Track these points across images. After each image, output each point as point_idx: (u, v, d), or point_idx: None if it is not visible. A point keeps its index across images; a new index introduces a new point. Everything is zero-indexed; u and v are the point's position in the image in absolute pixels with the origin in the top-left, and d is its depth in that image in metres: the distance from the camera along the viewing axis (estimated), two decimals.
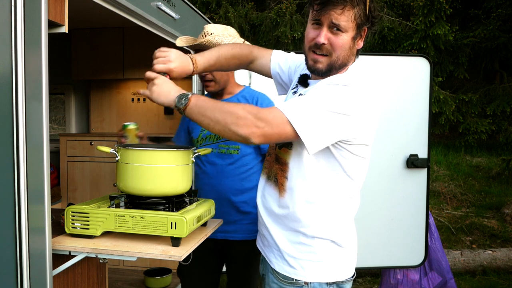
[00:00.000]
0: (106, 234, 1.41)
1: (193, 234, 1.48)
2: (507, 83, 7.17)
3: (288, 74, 1.60)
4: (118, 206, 1.44)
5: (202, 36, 1.84)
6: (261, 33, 7.10)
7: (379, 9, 1.30)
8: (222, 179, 1.92)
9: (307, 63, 1.36)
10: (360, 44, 1.33)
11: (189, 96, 1.29)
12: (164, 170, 1.43)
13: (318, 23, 1.29)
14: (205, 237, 1.52)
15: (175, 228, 1.33)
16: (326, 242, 1.36)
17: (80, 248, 1.33)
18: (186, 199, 1.57)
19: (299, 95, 1.43)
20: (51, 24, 1.28)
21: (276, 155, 1.43)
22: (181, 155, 1.48)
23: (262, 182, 1.52)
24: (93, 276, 1.72)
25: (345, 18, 1.25)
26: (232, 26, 1.87)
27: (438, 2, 6.20)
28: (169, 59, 1.41)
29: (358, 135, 1.28)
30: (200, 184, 1.98)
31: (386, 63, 2.92)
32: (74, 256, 1.37)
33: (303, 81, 1.43)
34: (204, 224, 1.60)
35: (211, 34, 1.82)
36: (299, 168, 1.34)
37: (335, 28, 1.26)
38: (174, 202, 1.44)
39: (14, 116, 1.14)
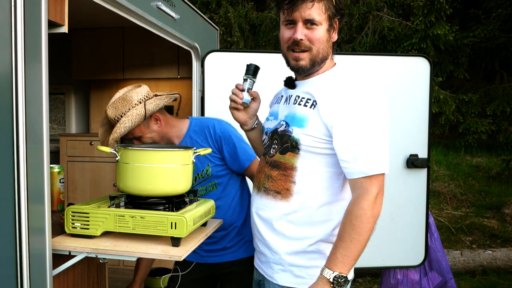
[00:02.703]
0: (106, 234, 1.41)
1: (193, 234, 1.48)
2: (507, 83, 7.16)
3: None
4: (118, 206, 1.44)
5: (104, 126, 1.80)
6: (261, 33, 7.09)
7: (344, 1, 1.34)
8: (217, 213, 1.77)
9: (289, 65, 1.39)
10: (335, 37, 1.35)
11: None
12: (164, 170, 1.43)
13: (292, 23, 1.31)
14: (205, 237, 1.52)
15: (175, 228, 1.33)
16: (331, 246, 1.33)
17: (80, 248, 1.33)
18: (186, 199, 1.57)
19: (286, 98, 1.44)
20: (51, 24, 1.28)
21: (274, 162, 1.39)
22: (181, 155, 1.48)
23: (254, 196, 1.48)
24: (93, 276, 1.72)
25: (317, 11, 1.27)
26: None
27: (438, 2, 6.20)
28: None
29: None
30: None
31: (386, 63, 2.92)
32: (74, 256, 1.37)
33: (290, 83, 1.44)
34: (204, 224, 1.60)
35: (114, 122, 1.70)
36: (309, 171, 1.33)
37: (309, 23, 1.29)
38: (174, 202, 1.44)
39: (14, 116, 1.14)
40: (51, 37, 1.21)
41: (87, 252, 1.35)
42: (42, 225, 1.19)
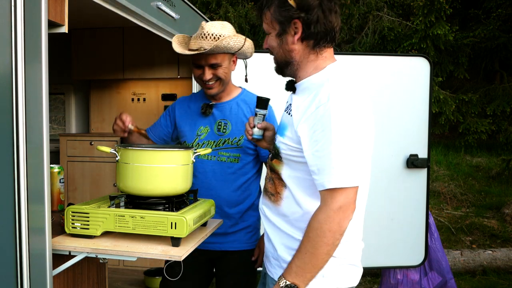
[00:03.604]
0: (106, 234, 1.41)
1: (193, 234, 1.48)
2: (507, 83, 7.16)
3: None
4: (118, 206, 1.44)
5: (205, 38, 1.72)
6: (261, 33, 7.09)
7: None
8: (222, 189, 1.83)
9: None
10: (295, 38, 1.30)
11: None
12: (164, 170, 1.43)
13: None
14: (205, 237, 1.52)
15: (175, 228, 1.33)
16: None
17: (80, 248, 1.33)
18: (186, 199, 1.57)
19: (287, 107, 1.43)
20: (51, 24, 1.28)
21: (270, 165, 1.44)
22: (181, 155, 1.48)
23: (262, 194, 1.53)
24: (93, 276, 1.72)
25: (265, 22, 1.36)
26: (232, 26, 1.84)
27: (438, 2, 6.20)
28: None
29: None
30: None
31: (386, 63, 2.92)
32: (74, 256, 1.37)
33: (291, 86, 1.43)
34: (204, 224, 1.60)
35: (217, 36, 1.72)
36: (293, 178, 1.33)
37: (266, 32, 1.37)
38: (174, 202, 1.44)
39: (14, 116, 1.14)
40: (51, 37, 1.21)
41: (87, 252, 1.35)
42: (42, 225, 1.19)
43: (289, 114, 1.36)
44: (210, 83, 1.79)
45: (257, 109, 1.56)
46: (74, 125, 3.70)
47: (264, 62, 2.96)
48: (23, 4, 1.14)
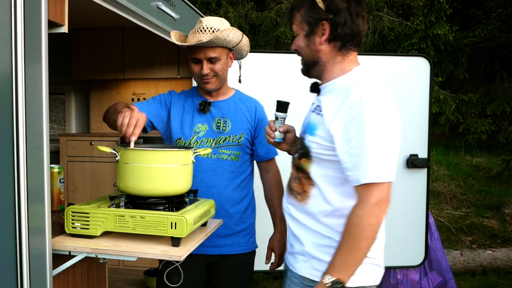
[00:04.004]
0: (106, 234, 1.41)
1: (193, 234, 1.48)
2: (507, 83, 7.16)
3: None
4: (118, 206, 1.44)
5: (203, 31, 1.74)
6: (261, 33, 7.09)
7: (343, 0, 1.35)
8: (223, 188, 1.82)
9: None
10: (323, 39, 1.36)
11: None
12: (164, 170, 1.43)
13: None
14: (205, 237, 1.52)
15: (175, 228, 1.33)
16: None
17: (80, 248, 1.33)
18: (186, 199, 1.57)
19: (315, 108, 1.46)
20: (51, 24, 1.28)
21: (297, 165, 1.46)
22: (181, 155, 1.48)
23: (285, 193, 1.54)
24: (93, 276, 1.72)
25: (294, 23, 1.43)
26: (232, 26, 1.84)
27: (438, 2, 6.20)
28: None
29: None
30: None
31: (386, 63, 2.92)
32: (74, 256, 1.37)
33: (316, 88, 1.47)
34: (204, 224, 1.60)
35: (216, 29, 1.74)
36: (322, 177, 1.37)
37: (295, 34, 1.44)
38: (174, 202, 1.44)
39: (14, 116, 1.14)
40: (51, 37, 1.21)
41: (87, 252, 1.35)
42: (42, 225, 1.19)
43: (318, 114, 1.39)
44: (208, 78, 1.78)
45: (277, 113, 1.56)
46: (74, 125, 3.70)
47: (258, 63, 2.97)
48: (23, 4, 1.14)
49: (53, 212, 1.59)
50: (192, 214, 1.40)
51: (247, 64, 3.07)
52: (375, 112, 1.25)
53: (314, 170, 1.38)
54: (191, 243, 1.40)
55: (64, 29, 1.34)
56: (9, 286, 1.14)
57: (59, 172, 1.79)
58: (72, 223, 1.39)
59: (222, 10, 7.06)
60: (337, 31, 1.33)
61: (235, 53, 1.87)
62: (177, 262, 1.64)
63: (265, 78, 2.89)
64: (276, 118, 1.57)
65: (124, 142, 3.28)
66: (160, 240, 1.40)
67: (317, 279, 1.32)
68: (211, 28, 1.74)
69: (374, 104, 1.26)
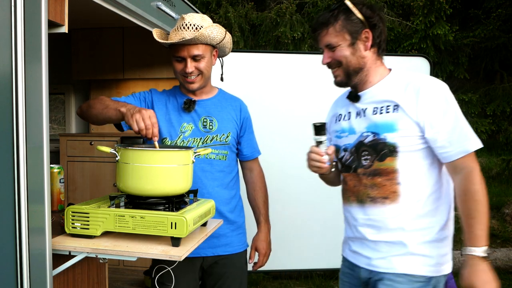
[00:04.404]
0: (106, 234, 1.41)
1: (193, 234, 1.48)
2: (507, 83, 7.16)
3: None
4: (118, 206, 1.44)
5: (186, 28, 1.69)
6: (261, 33, 7.10)
7: (374, 10, 1.48)
8: (213, 188, 1.80)
9: (335, 81, 1.55)
10: (367, 45, 1.47)
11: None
12: (164, 170, 1.43)
13: (321, 49, 1.53)
14: (205, 237, 1.52)
15: (175, 228, 1.33)
16: (448, 231, 1.46)
17: (80, 248, 1.33)
18: (186, 199, 1.57)
19: (358, 113, 1.52)
20: (51, 24, 1.28)
21: (374, 170, 1.45)
22: (181, 155, 1.48)
23: (355, 210, 1.52)
24: (93, 276, 1.72)
25: (331, 35, 1.47)
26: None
27: (438, 2, 6.20)
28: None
29: None
30: None
31: (386, 63, 2.92)
32: (74, 256, 1.37)
33: (354, 97, 1.54)
34: (204, 224, 1.60)
35: (199, 26, 1.70)
36: (410, 168, 1.42)
37: (329, 47, 1.49)
38: (174, 202, 1.44)
39: (14, 116, 1.14)
40: (51, 37, 1.21)
41: (87, 252, 1.35)
42: (42, 225, 1.19)
43: (389, 112, 1.44)
44: (192, 77, 1.74)
45: (317, 137, 1.51)
46: (74, 125, 3.70)
47: (259, 63, 2.97)
48: (23, 4, 1.14)
49: (53, 212, 1.59)
50: (192, 214, 1.40)
51: (247, 64, 3.08)
52: (448, 94, 1.41)
53: (403, 164, 1.42)
54: (191, 243, 1.40)
55: (64, 29, 1.34)
56: (9, 286, 1.14)
57: (59, 172, 1.79)
58: (72, 223, 1.39)
59: (222, 10, 7.06)
60: (377, 37, 1.47)
61: (218, 49, 1.83)
62: (169, 266, 1.64)
63: (265, 78, 2.89)
64: (321, 142, 1.51)
65: (124, 142, 3.28)
66: (160, 240, 1.40)
67: (431, 274, 1.43)
68: (194, 25, 1.70)
69: (442, 87, 1.42)
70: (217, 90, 1.92)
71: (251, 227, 2.00)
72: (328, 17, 1.47)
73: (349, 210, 1.56)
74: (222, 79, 1.99)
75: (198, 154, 1.59)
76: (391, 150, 1.42)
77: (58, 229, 1.48)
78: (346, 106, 1.59)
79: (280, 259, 3.09)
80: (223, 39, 1.77)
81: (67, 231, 1.39)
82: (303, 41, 6.88)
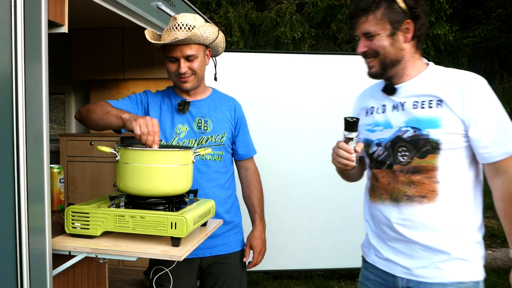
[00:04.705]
0: (106, 234, 1.41)
1: (193, 234, 1.48)
2: (507, 83, 7.16)
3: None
4: (118, 206, 1.44)
5: (179, 28, 1.68)
6: (261, 33, 7.10)
7: (418, 0, 1.42)
8: (209, 189, 1.80)
9: (368, 73, 1.49)
10: (407, 37, 1.41)
11: None
12: (164, 170, 1.43)
13: (357, 37, 1.47)
14: (205, 237, 1.52)
15: (175, 228, 1.33)
16: (482, 232, 1.41)
17: (80, 248, 1.33)
18: (186, 199, 1.57)
19: (395, 106, 1.45)
20: (51, 24, 1.28)
21: (413, 168, 1.39)
22: (181, 155, 1.48)
23: (389, 209, 1.45)
24: (93, 276, 1.72)
25: (371, 23, 1.40)
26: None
27: (438, 2, 6.21)
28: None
29: None
30: None
31: None
32: (74, 256, 1.37)
33: (390, 89, 1.48)
34: (204, 224, 1.60)
35: (191, 26, 1.69)
36: (450, 167, 1.37)
37: (367, 35, 1.42)
38: (174, 202, 1.44)
39: (14, 116, 1.14)
40: (51, 37, 1.21)
41: (87, 252, 1.35)
42: (42, 225, 1.19)
43: (429, 107, 1.38)
44: (186, 76, 1.74)
45: (348, 132, 1.43)
46: (74, 125, 3.70)
47: (259, 63, 2.97)
48: (23, 4, 1.14)
49: (53, 212, 1.59)
50: (192, 214, 1.40)
51: (247, 64, 3.08)
52: (491, 91, 1.36)
53: (444, 162, 1.36)
54: (191, 243, 1.40)
55: (64, 29, 1.34)
56: (9, 286, 1.14)
57: (59, 172, 1.79)
58: (72, 223, 1.39)
59: (222, 10, 7.06)
60: (418, 29, 1.41)
61: (211, 49, 1.83)
62: (167, 267, 1.64)
63: (265, 78, 2.89)
64: (351, 139, 1.43)
65: (124, 142, 3.28)
66: (160, 240, 1.40)
67: (478, 277, 1.36)
68: (186, 25, 1.69)
69: (486, 85, 1.37)
70: (211, 90, 1.92)
71: (247, 227, 2.01)
72: (370, 3, 1.39)
73: (380, 209, 1.48)
74: (215, 79, 2.00)
75: (198, 154, 1.59)
76: (433, 147, 1.36)
77: (58, 229, 1.48)
78: (379, 98, 1.52)
79: (280, 259, 3.09)
80: (216, 39, 1.76)
81: (67, 231, 1.39)
82: (303, 41, 6.88)
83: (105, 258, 1.47)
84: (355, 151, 1.43)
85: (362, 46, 1.44)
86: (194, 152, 1.55)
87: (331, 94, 2.92)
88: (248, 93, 2.82)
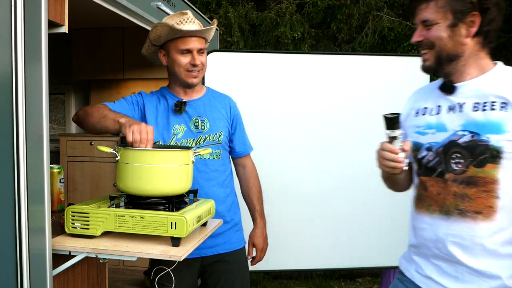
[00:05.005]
0: (106, 234, 1.41)
1: (193, 234, 1.48)
2: None
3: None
4: (118, 206, 1.44)
5: (192, 22, 1.71)
6: (261, 33, 7.09)
7: None
8: (209, 188, 1.80)
9: (422, 66, 1.35)
10: (471, 31, 1.24)
11: None
12: (164, 170, 1.43)
13: (416, 25, 1.32)
14: (206, 237, 1.52)
15: (175, 228, 1.33)
16: None
17: (80, 248, 1.33)
18: (186, 199, 1.57)
19: (452, 107, 1.30)
20: (51, 24, 1.28)
21: (469, 178, 1.23)
22: (181, 155, 1.48)
23: (438, 222, 1.29)
24: (93, 276, 1.72)
25: (431, 10, 1.25)
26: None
27: None
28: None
29: None
30: None
31: (386, 63, 2.92)
32: (74, 256, 1.37)
33: (449, 88, 1.32)
34: (204, 224, 1.60)
35: (198, 23, 1.73)
36: None
37: (425, 23, 1.28)
38: (174, 202, 1.44)
39: (14, 116, 1.14)
40: (51, 37, 1.21)
41: (87, 252, 1.35)
42: (42, 225, 1.19)
43: (492, 109, 1.22)
44: (198, 70, 1.76)
45: (390, 131, 1.28)
46: (74, 125, 3.70)
47: (259, 63, 2.97)
48: (23, 4, 1.14)
49: (53, 212, 1.59)
50: (192, 214, 1.40)
51: (247, 64, 3.08)
52: None
53: (506, 173, 1.18)
54: (191, 243, 1.40)
55: (64, 29, 1.34)
56: (9, 286, 1.14)
57: (59, 172, 1.79)
58: (72, 223, 1.39)
59: (222, 10, 7.05)
60: (486, 25, 1.24)
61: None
62: (169, 267, 1.65)
63: (265, 78, 2.89)
64: (395, 137, 1.27)
65: (124, 142, 3.28)
66: (160, 240, 1.40)
67: None
68: (195, 21, 1.73)
69: None
70: (205, 89, 1.93)
71: (247, 224, 2.02)
72: None
73: (427, 221, 1.32)
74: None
75: (198, 154, 1.60)
76: (493, 155, 1.18)
77: (58, 229, 1.48)
78: (435, 98, 1.36)
79: (280, 259, 3.09)
80: (212, 37, 1.83)
81: (67, 231, 1.39)
82: (303, 41, 6.88)
83: (105, 258, 1.47)
84: (403, 150, 1.26)
85: (417, 35, 1.30)
86: (194, 152, 1.55)
87: (331, 94, 2.92)
88: (248, 93, 2.82)
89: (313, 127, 2.92)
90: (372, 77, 2.87)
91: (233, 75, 2.87)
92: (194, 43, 1.73)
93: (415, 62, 2.93)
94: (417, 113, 1.42)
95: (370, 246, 2.89)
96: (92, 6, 1.60)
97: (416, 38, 1.30)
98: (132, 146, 1.43)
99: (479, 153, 1.21)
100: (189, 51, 1.73)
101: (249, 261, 1.99)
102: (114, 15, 1.74)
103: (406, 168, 1.29)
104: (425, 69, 1.34)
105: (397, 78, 2.88)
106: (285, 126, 2.98)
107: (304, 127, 2.92)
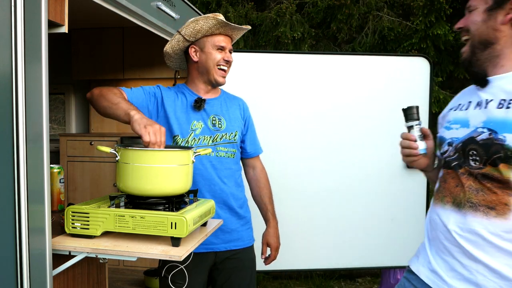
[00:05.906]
0: (106, 234, 1.41)
1: (193, 234, 1.48)
2: None
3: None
4: (118, 206, 1.44)
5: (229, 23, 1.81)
6: (261, 33, 7.09)
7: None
8: (225, 185, 1.85)
9: (460, 62, 1.33)
10: (507, 18, 1.19)
11: None
12: (164, 170, 1.43)
13: (467, 9, 1.29)
14: (205, 237, 1.52)
15: (175, 228, 1.33)
16: None
17: (80, 248, 1.33)
18: (186, 199, 1.57)
19: (478, 103, 1.25)
20: (51, 24, 1.28)
21: (484, 174, 1.19)
22: (181, 155, 1.48)
23: (449, 213, 1.26)
24: (93, 276, 1.72)
25: None
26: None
27: (438, 2, 6.20)
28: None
29: None
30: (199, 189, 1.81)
31: (386, 63, 2.92)
32: (74, 256, 1.37)
33: (481, 80, 1.27)
34: (204, 224, 1.60)
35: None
36: None
37: (469, 9, 1.26)
38: (174, 202, 1.44)
39: (14, 116, 1.14)
40: (51, 37, 1.21)
41: (87, 252, 1.35)
42: (42, 225, 1.19)
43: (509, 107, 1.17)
44: (228, 67, 1.85)
45: (409, 122, 1.36)
46: (74, 125, 3.71)
47: (259, 63, 2.98)
48: (23, 4, 1.14)
49: (53, 212, 1.59)
50: (192, 214, 1.40)
51: (247, 64, 3.08)
52: None
53: None
54: (191, 243, 1.40)
55: (64, 29, 1.34)
56: (9, 286, 1.14)
57: (59, 172, 1.79)
58: (72, 223, 1.39)
59: (222, 10, 7.06)
60: None
61: None
62: (182, 264, 1.66)
63: (265, 78, 2.89)
64: (412, 127, 1.34)
65: (124, 142, 3.28)
66: (160, 240, 1.40)
67: None
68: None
69: None
70: (220, 90, 1.97)
71: (255, 223, 2.04)
72: None
73: (438, 212, 1.30)
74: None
75: (198, 154, 1.60)
76: (507, 156, 1.13)
77: (58, 229, 1.48)
78: (470, 94, 1.32)
79: (281, 259, 3.09)
80: None
81: (67, 231, 1.39)
82: (303, 41, 6.88)
83: (105, 258, 1.47)
84: (424, 136, 1.30)
85: (460, 22, 1.27)
86: (194, 152, 1.55)
87: (331, 94, 2.92)
88: (247, 93, 2.82)
89: (313, 127, 2.92)
90: (372, 77, 2.87)
91: (233, 75, 2.87)
92: (229, 42, 1.84)
93: (415, 62, 2.96)
94: (450, 109, 1.41)
95: (370, 246, 2.89)
96: (92, 6, 1.60)
97: (457, 25, 1.28)
98: (147, 146, 1.43)
99: (493, 152, 1.16)
100: (223, 49, 1.82)
101: (262, 260, 2.03)
102: (114, 15, 1.74)
103: (435, 164, 1.30)
104: (462, 63, 1.30)
105: (397, 78, 2.88)
106: (284, 126, 2.98)
107: (304, 127, 2.92)
